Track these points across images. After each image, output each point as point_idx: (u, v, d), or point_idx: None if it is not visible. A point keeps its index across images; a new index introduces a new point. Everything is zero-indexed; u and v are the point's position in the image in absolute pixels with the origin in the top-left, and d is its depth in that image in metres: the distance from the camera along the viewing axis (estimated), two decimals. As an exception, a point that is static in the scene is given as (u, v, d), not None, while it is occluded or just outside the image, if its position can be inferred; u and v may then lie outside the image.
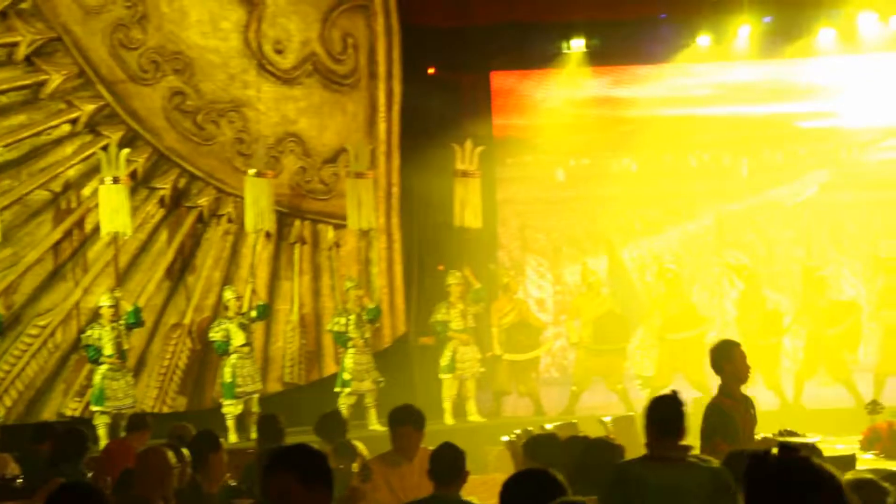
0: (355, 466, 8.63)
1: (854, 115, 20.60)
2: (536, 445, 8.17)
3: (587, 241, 21.00)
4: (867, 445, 11.77)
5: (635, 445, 12.32)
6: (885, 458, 11.38)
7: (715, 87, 20.84)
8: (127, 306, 15.44)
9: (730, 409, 8.11)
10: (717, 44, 19.24)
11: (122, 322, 15.29)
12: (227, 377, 15.64)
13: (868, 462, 10.90)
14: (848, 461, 9.66)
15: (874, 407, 12.88)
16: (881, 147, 20.74)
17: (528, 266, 21.02)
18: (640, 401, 16.51)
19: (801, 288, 17.94)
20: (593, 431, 10.91)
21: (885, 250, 17.93)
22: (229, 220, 16.79)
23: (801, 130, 20.84)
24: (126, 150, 15.82)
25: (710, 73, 20.75)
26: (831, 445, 11.22)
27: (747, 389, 8.52)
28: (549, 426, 12.38)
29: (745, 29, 19.04)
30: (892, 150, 20.72)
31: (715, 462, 6.15)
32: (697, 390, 15.94)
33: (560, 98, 20.47)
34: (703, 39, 19.22)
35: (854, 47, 19.57)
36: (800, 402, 16.38)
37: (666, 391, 6.45)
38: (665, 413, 6.18)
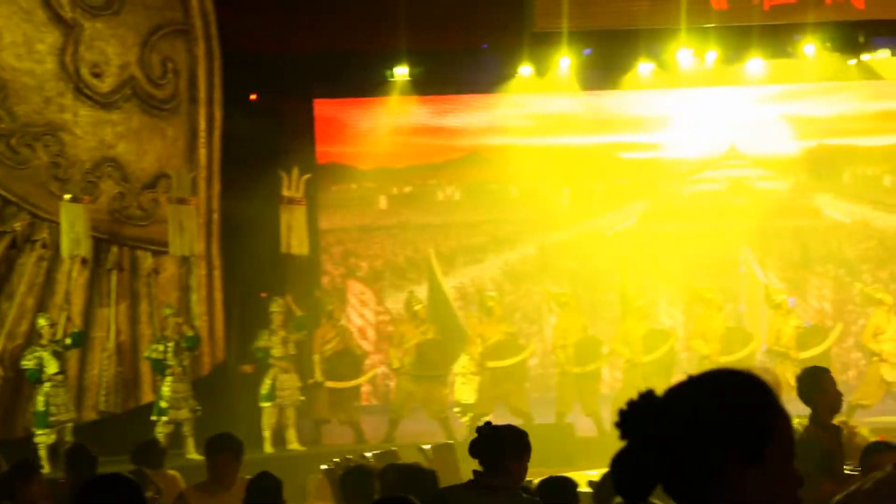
0: (149, 494, 8.47)
1: (673, 147, 21.02)
2: (348, 480, 8.04)
3: (410, 269, 21.02)
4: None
5: (455, 472, 12.36)
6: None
7: (537, 117, 21.07)
8: (71, 327, 15.59)
9: (825, 443, 7.58)
10: (539, 75, 19.44)
11: (65, 341, 15.44)
12: (40, 406, 15.30)
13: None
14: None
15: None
16: (699, 178, 21.17)
17: (350, 293, 20.95)
18: (461, 428, 16.59)
19: (620, 316, 18.21)
20: (413, 459, 10.87)
21: (703, 282, 18.32)
22: (44, 246, 16.40)
23: (622, 161, 21.18)
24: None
25: (532, 103, 20.97)
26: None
27: (567, 417, 8.52)
28: (368, 454, 12.33)
29: (565, 61, 19.27)
30: (709, 181, 21.18)
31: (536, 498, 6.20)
32: (518, 417, 16.05)
33: (384, 126, 20.49)
34: (526, 70, 19.41)
35: (673, 81, 19.99)
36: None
37: (487, 419, 6.47)
38: (491, 443, 6.18)
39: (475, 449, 6.18)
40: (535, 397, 18.11)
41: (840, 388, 7.84)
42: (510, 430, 6.36)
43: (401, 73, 19.32)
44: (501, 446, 6.19)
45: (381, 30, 18.20)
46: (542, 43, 18.64)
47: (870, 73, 20.02)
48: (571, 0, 16.93)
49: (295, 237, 17.19)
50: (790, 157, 21.13)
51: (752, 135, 20.98)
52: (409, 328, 17.13)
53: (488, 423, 6.43)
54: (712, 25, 18.14)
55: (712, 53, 19.12)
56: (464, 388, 17.25)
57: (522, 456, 6.24)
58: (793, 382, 16.11)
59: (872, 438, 11.09)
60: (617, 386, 17.89)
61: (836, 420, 8.06)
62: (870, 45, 19.20)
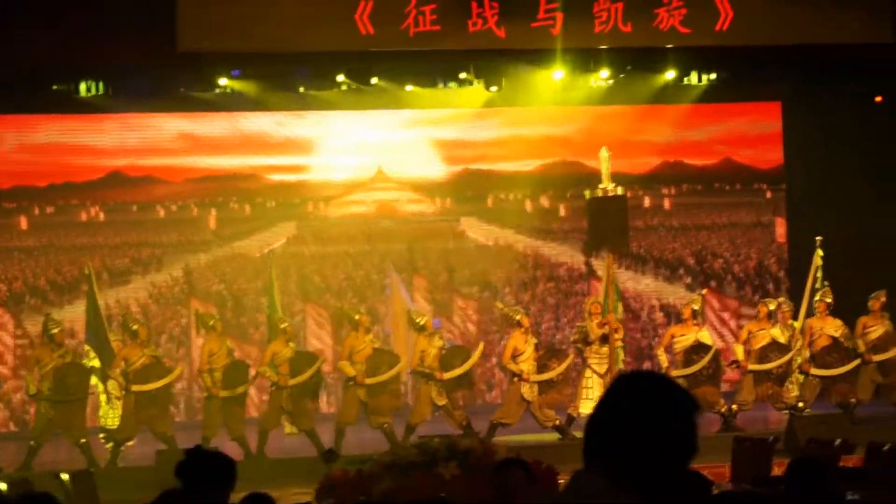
0: None
1: (321, 170, 21.15)
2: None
3: (52, 291, 20.40)
4: (323, 494, 11.93)
5: (93, 501, 12.02)
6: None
7: (185, 137, 20.84)
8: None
9: None
10: (184, 100, 19.34)
11: None
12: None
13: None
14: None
15: (329, 456, 13.12)
16: (347, 201, 21.35)
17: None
18: (106, 454, 16.16)
19: (267, 338, 18.14)
20: (49, 488, 10.49)
21: (350, 304, 18.44)
22: None
23: (270, 183, 21.15)
24: None
25: (180, 123, 20.73)
26: (290, 495, 11.31)
27: (212, 441, 8.34)
28: (1, 484, 11.85)
29: (216, 81, 19.19)
30: (357, 204, 21.38)
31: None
32: (163, 442, 15.76)
33: (24, 143, 19.91)
34: (178, 89, 19.27)
35: (322, 104, 20.17)
36: (263, 453, 16.46)
37: (131, 444, 6.27)
38: (197, 468, 5.95)
39: (181, 472, 5.93)
40: (180, 422, 17.82)
41: (483, 407, 8.02)
42: (217, 457, 6.12)
43: (56, 88, 18.85)
44: (207, 472, 5.97)
45: (34, 45, 17.57)
46: (191, 63, 18.41)
47: (510, 100, 20.65)
48: (217, 21, 16.77)
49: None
50: (436, 180, 21.58)
51: (400, 158, 21.33)
52: (46, 352, 16.58)
53: (198, 447, 6.20)
54: (359, 50, 18.31)
55: (363, 77, 19.41)
56: (108, 413, 16.82)
57: (229, 485, 5.99)
58: (438, 402, 16.54)
59: (510, 455, 11.38)
60: (264, 408, 17.79)
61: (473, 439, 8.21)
62: (510, 72, 19.80)
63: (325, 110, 20.64)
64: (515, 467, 7.28)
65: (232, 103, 19.97)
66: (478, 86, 20.04)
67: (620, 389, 2.83)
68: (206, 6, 16.89)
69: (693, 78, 20.78)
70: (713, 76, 21.02)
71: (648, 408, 2.77)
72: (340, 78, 19.64)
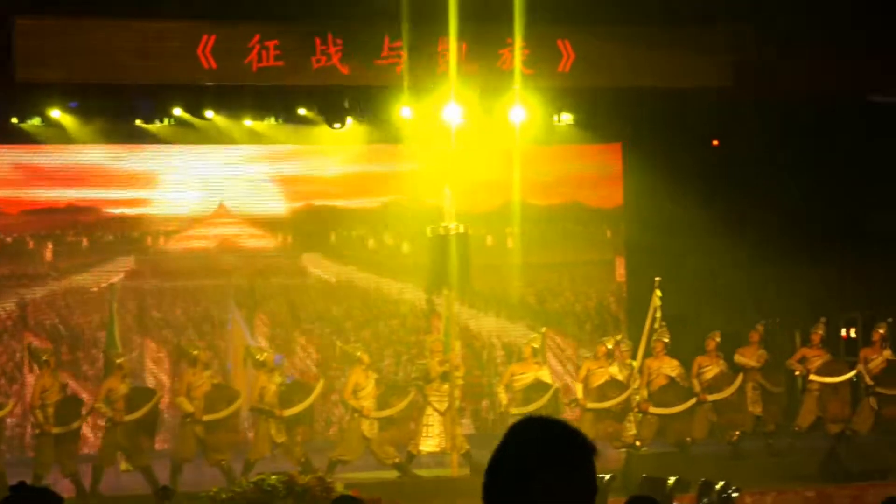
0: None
1: (162, 204, 20.86)
2: None
3: None
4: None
5: None
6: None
7: (20, 169, 20.41)
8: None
9: None
10: (18, 132, 19.03)
11: None
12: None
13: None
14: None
15: (165, 493, 12.93)
16: (188, 235, 21.10)
17: None
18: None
19: (103, 373, 17.82)
20: None
21: (189, 339, 18.20)
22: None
23: (110, 216, 20.79)
24: None
25: (15, 155, 20.32)
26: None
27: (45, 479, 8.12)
28: None
29: (52, 112, 18.89)
30: (198, 238, 21.13)
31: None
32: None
33: None
34: (13, 123, 18.96)
35: (164, 137, 19.96)
36: (97, 491, 16.14)
37: None
38: None
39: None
40: (9, 458, 17.40)
41: (323, 443, 7.94)
42: (43, 494, 5.89)
43: None
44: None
45: None
46: (26, 93, 18.07)
47: (354, 137, 20.64)
48: (54, 51, 16.50)
49: None
50: (278, 216, 21.44)
51: (242, 194, 21.16)
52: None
53: (22, 483, 5.97)
54: (203, 84, 18.17)
55: (201, 111, 19.28)
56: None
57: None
58: (277, 440, 16.39)
59: (347, 493, 11.34)
60: (99, 445, 17.43)
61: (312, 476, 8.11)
62: (354, 109, 19.78)
63: (163, 144, 20.39)
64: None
65: (68, 136, 19.61)
66: (321, 122, 19.99)
67: (519, 435, 2.82)
68: (43, 37, 16.61)
69: (538, 119, 20.96)
70: (561, 117, 21.26)
71: (547, 453, 2.77)
72: (178, 112, 19.45)
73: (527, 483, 2.74)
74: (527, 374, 17.48)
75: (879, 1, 18.46)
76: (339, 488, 13.68)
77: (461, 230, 16.98)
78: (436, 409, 17.06)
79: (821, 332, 18.55)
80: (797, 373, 19.25)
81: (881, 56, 19.08)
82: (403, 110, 19.49)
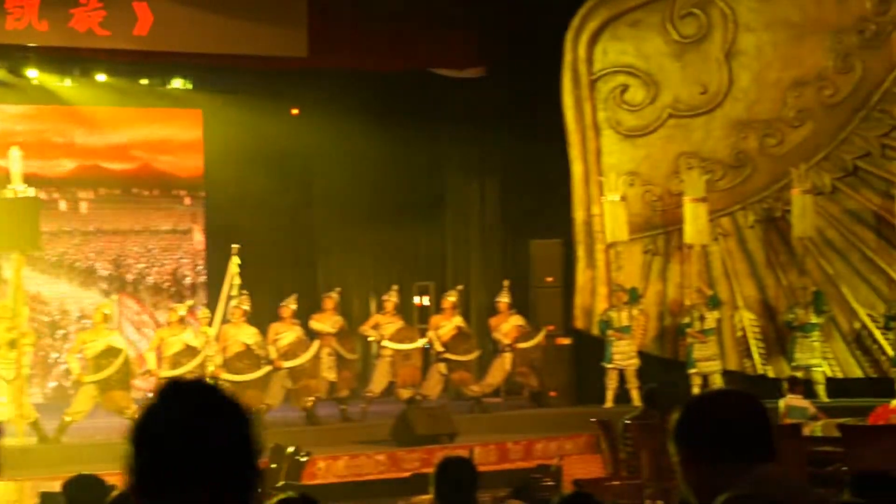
0: None
1: None
2: None
3: None
4: None
5: None
6: None
7: None
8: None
9: None
10: None
11: None
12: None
13: None
14: None
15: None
16: None
17: None
18: None
19: None
20: None
21: None
22: None
23: None
24: None
25: None
26: None
27: None
28: None
29: None
30: None
31: None
32: None
33: None
34: None
35: None
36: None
37: None
38: None
39: None
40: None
41: None
42: None
43: None
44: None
45: None
46: None
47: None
48: None
49: None
50: None
51: None
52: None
53: None
54: None
55: None
56: None
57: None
58: None
59: None
60: None
61: None
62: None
63: None
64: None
65: None
66: None
67: (169, 400, 2.48)
68: None
69: (117, 82, 20.50)
70: (142, 81, 20.90)
71: (207, 415, 2.46)
72: None
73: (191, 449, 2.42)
74: (98, 342, 17.09)
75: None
76: None
77: (29, 193, 16.44)
78: (1, 377, 16.47)
79: (394, 299, 18.96)
80: (370, 339, 19.65)
81: (440, 31, 19.81)
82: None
